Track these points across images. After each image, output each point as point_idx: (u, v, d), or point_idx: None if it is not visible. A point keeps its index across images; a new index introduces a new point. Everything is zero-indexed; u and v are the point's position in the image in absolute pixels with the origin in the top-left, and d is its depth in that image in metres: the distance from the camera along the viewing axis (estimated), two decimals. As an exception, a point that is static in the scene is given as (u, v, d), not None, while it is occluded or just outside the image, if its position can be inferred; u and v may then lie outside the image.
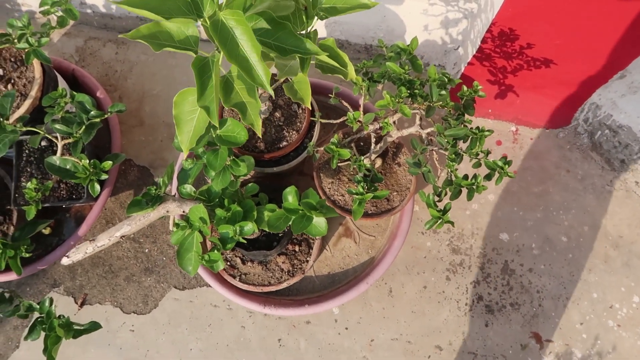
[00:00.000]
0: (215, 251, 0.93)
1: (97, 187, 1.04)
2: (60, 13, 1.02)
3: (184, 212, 0.99)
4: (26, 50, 1.00)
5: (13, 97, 1.01)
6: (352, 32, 1.47)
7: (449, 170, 0.95)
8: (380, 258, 1.17)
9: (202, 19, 0.70)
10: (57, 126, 1.02)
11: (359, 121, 0.94)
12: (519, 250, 1.38)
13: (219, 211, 0.94)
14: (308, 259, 1.11)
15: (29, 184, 1.03)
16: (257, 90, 0.83)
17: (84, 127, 1.02)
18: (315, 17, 0.85)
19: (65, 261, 1.01)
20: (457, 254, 1.38)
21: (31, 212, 1.06)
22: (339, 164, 1.11)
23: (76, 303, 1.37)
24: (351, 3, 0.80)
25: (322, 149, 1.02)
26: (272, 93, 0.69)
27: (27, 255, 1.05)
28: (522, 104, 1.43)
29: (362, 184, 0.93)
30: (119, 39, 1.58)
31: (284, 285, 1.10)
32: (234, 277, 1.11)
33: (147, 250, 1.40)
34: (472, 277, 1.37)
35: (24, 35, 0.99)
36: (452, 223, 0.95)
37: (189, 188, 0.95)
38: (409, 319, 1.34)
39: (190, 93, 0.85)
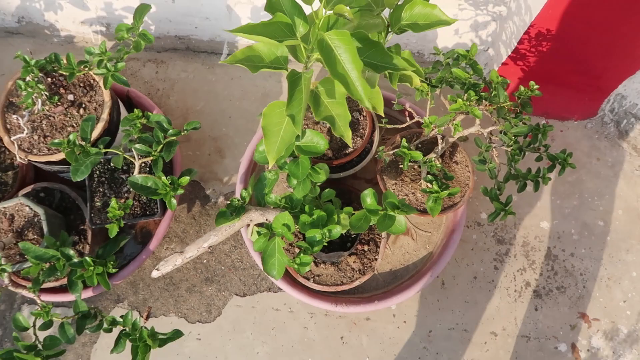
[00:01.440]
0: (303, 254, 0.98)
1: (174, 202, 1.09)
2: (134, 38, 1.06)
3: (267, 220, 1.04)
4: (104, 75, 1.05)
5: (93, 121, 1.06)
6: (392, 40, 1.53)
7: (512, 164, 1.03)
8: (440, 251, 1.23)
9: (295, 39, 0.77)
10: (137, 146, 1.07)
11: (432, 125, 1.00)
12: (560, 237, 1.46)
13: (303, 217, 1.00)
14: (376, 257, 1.17)
15: (112, 203, 1.07)
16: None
17: (162, 145, 1.07)
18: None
19: (155, 274, 1.06)
20: (502, 244, 1.46)
21: (114, 230, 1.10)
22: (400, 167, 1.18)
23: (141, 316, 1.41)
24: (432, 19, 0.87)
25: (390, 152, 1.09)
26: (370, 107, 0.76)
27: (114, 270, 1.09)
28: (551, 98, 1.51)
29: (435, 182, 1.00)
30: (157, 58, 1.62)
31: (356, 283, 1.16)
32: (308, 279, 1.16)
33: (205, 261, 1.45)
34: (519, 265, 1.44)
35: (102, 61, 1.04)
36: (514, 214, 1.02)
37: (273, 197, 1.01)
38: (462, 309, 1.41)
39: (277, 106, 0.91)
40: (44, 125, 1.14)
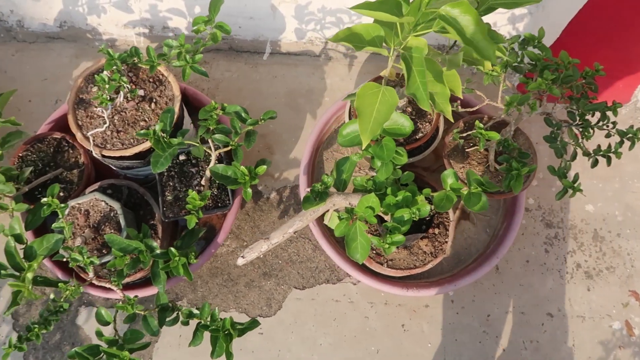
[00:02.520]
0: (390, 235, 1.00)
1: (250, 191, 1.10)
2: (210, 30, 1.08)
3: (349, 204, 1.06)
4: (182, 67, 1.06)
5: (173, 113, 1.07)
6: (436, 35, 1.58)
7: (581, 143, 1.07)
8: (502, 234, 1.26)
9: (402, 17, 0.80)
10: (217, 136, 1.09)
11: (514, 105, 1.04)
12: (605, 219, 1.51)
13: (389, 198, 1.02)
14: (446, 240, 1.19)
15: (192, 194, 1.08)
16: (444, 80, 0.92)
17: (238, 136, 1.09)
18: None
19: (240, 261, 1.07)
20: (550, 228, 1.50)
21: (192, 221, 1.11)
22: (466, 149, 1.21)
23: (201, 313, 1.41)
24: (519, -4, 0.91)
25: (464, 135, 1.12)
26: (494, 60, 0.78)
27: (195, 261, 1.10)
28: (588, 86, 1.56)
29: (514, 160, 1.03)
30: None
31: (429, 266, 1.18)
32: (382, 264, 1.18)
33: (262, 256, 1.45)
34: (568, 247, 1.48)
35: (181, 54, 1.05)
36: (581, 191, 1.06)
37: (359, 179, 1.03)
38: (518, 292, 1.44)
39: (370, 87, 0.94)
40: (116, 121, 1.14)
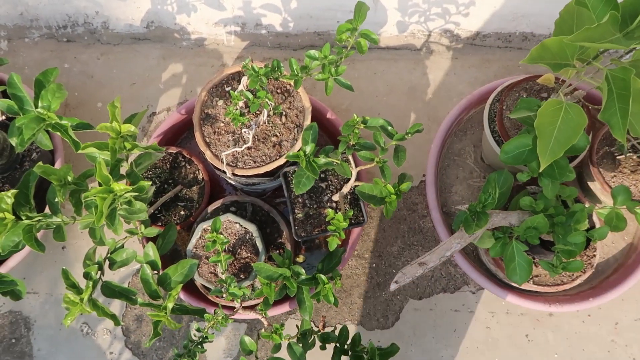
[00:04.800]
0: (561, 255, 0.93)
1: (391, 209, 1.04)
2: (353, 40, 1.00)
3: (509, 224, 0.99)
4: (324, 79, 0.98)
5: (315, 130, 1.00)
6: (539, 24, 1.47)
7: None
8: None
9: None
10: (363, 153, 1.02)
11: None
12: None
13: (559, 218, 0.95)
14: (594, 254, 1.12)
15: (337, 216, 1.01)
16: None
17: (384, 152, 1.01)
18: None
19: (393, 287, 1.01)
20: (677, 229, 1.41)
21: (334, 243, 1.04)
22: (617, 156, 1.12)
23: (317, 327, 1.36)
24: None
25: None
26: None
27: (340, 285, 1.04)
28: None
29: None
30: (294, 56, 1.55)
31: (577, 282, 1.11)
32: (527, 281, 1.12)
33: (374, 265, 1.40)
34: (697, 249, 1.40)
35: (325, 66, 0.97)
36: None
37: (527, 200, 0.95)
38: (646, 298, 1.37)
39: (551, 104, 0.85)
40: (245, 137, 1.07)
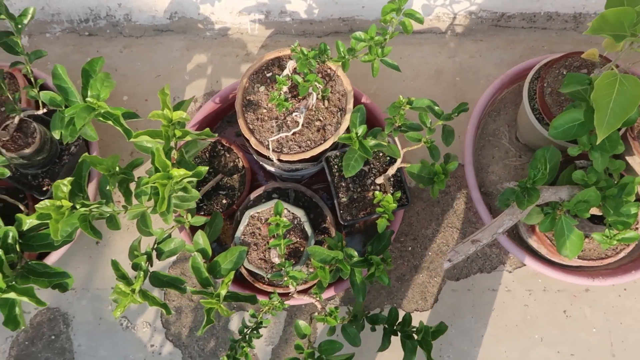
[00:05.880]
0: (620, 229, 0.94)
1: (440, 188, 1.04)
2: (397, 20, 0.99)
3: (559, 198, 1.00)
4: (371, 61, 0.98)
5: (363, 112, 1.00)
6: (563, 3, 1.47)
7: None
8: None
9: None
10: (410, 134, 1.02)
11: None
12: None
13: (610, 190, 0.96)
14: (637, 226, 1.14)
15: (387, 197, 1.02)
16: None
17: (431, 132, 1.02)
18: None
19: (447, 265, 1.01)
20: None
21: (383, 224, 1.05)
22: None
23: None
24: None
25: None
26: None
27: (391, 266, 1.05)
28: None
29: None
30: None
31: (621, 255, 1.13)
32: (572, 256, 1.13)
33: (410, 248, 1.40)
34: None
35: (372, 47, 0.97)
36: None
37: (579, 174, 0.96)
38: (679, 270, 1.38)
39: (607, 76, 0.86)
40: (289, 122, 1.07)
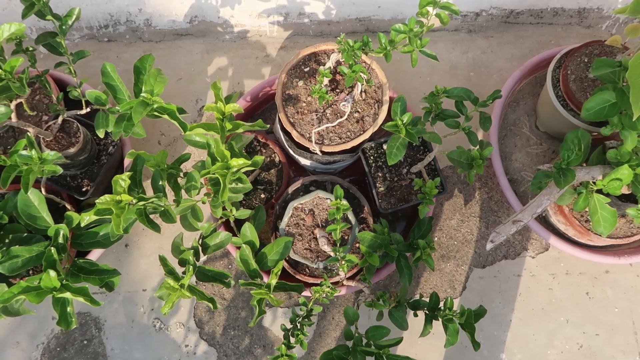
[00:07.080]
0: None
1: (479, 172, 1.08)
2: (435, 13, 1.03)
3: (592, 178, 1.05)
4: (409, 52, 1.02)
5: (404, 101, 1.03)
6: (569, -2, 1.55)
7: None
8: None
9: None
10: (449, 121, 1.06)
11: None
12: None
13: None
14: (659, 205, 1.19)
15: (429, 183, 1.05)
16: None
17: (468, 119, 1.06)
18: None
19: (489, 246, 1.05)
20: None
21: (424, 210, 1.08)
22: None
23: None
24: None
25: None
26: None
27: (434, 250, 1.08)
28: None
29: None
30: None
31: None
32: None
33: (436, 239, 1.44)
34: None
35: (411, 39, 1.01)
36: None
37: (613, 152, 1.01)
38: (692, 249, 1.45)
39: (639, 57, 0.91)
40: (328, 115, 1.10)
